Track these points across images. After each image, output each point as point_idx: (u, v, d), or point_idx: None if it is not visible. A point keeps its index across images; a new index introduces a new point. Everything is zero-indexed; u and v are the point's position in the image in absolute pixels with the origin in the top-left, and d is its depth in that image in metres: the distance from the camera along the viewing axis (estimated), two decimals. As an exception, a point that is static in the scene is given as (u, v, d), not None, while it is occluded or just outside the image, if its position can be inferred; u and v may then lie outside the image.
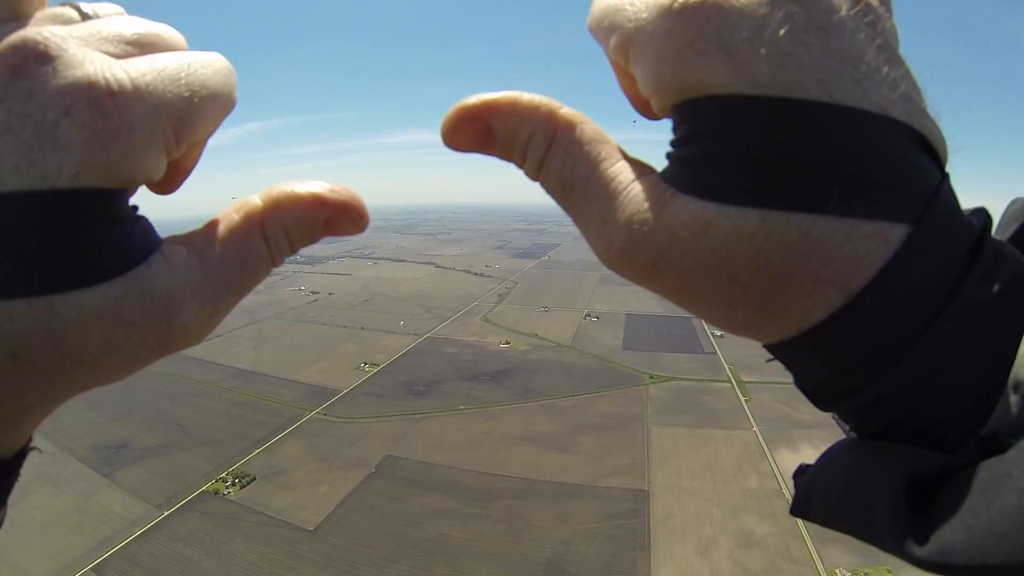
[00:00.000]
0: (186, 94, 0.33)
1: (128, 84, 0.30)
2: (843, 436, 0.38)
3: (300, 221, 0.36)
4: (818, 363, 0.32)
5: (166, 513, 34.43)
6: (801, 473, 0.39)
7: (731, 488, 35.94)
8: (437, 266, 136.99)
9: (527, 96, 0.35)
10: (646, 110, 0.39)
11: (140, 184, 0.33)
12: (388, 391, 55.75)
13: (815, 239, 0.28)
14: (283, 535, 31.50)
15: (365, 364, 64.25)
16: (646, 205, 0.31)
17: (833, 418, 0.39)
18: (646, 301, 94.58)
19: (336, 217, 0.37)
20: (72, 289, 0.30)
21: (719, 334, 72.34)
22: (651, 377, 58.62)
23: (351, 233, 0.38)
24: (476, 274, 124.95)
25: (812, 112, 0.27)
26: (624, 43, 0.34)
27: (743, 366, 61.12)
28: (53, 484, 37.85)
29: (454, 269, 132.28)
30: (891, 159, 0.28)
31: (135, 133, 0.30)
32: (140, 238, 0.33)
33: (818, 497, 0.35)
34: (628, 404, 51.66)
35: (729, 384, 55.87)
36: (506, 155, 0.36)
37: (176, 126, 0.33)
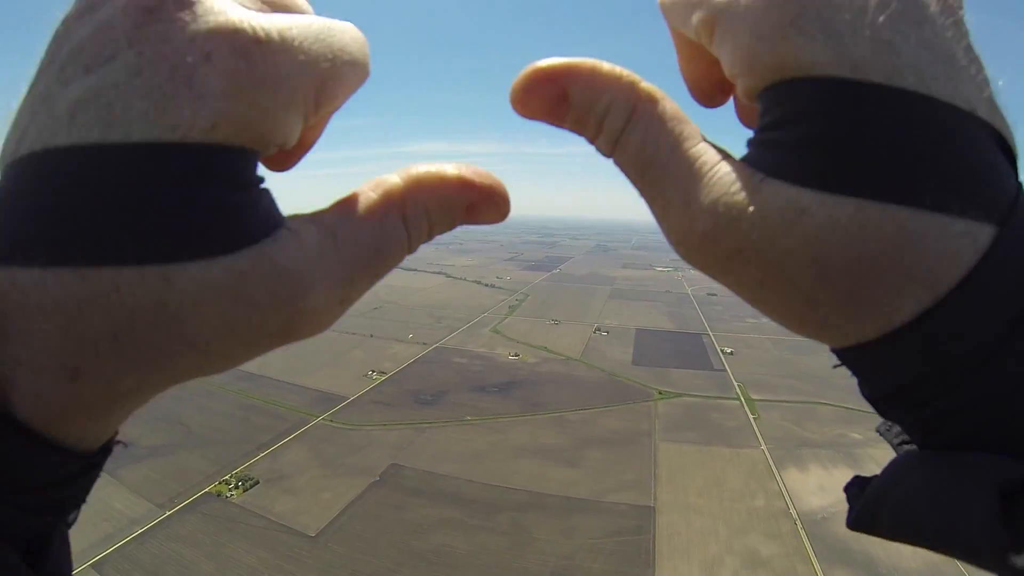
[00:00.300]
0: (329, 55, 0.30)
1: (276, 35, 0.27)
2: (893, 450, 0.34)
3: (443, 204, 0.33)
4: (895, 368, 0.29)
5: (168, 513, 34.47)
6: (857, 486, 0.34)
7: (738, 507, 35.59)
8: (448, 276, 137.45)
9: (607, 64, 0.32)
10: (709, 96, 0.38)
11: (275, 147, 0.29)
12: (395, 399, 55.81)
13: (910, 234, 0.26)
14: (284, 540, 31.46)
15: (373, 372, 64.49)
16: (735, 187, 0.29)
17: (879, 430, 0.36)
18: (656, 317, 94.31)
19: (480, 203, 0.34)
20: (193, 259, 0.25)
21: (729, 351, 72.06)
22: (660, 393, 58.32)
23: (492, 220, 0.35)
24: (487, 285, 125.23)
25: (910, 102, 0.26)
26: (711, 18, 0.31)
27: (752, 384, 60.73)
28: (57, 480, 38.13)
29: (465, 279, 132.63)
30: (980, 157, 0.27)
31: (280, 87, 0.27)
32: (266, 209, 0.29)
33: (890, 510, 0.31)
34: (636, 419, 51.38)
35: (738, 401, 55.31)
36: (579, 125, 0.33)
37: (318, 87, 0.30)
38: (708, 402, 55.51)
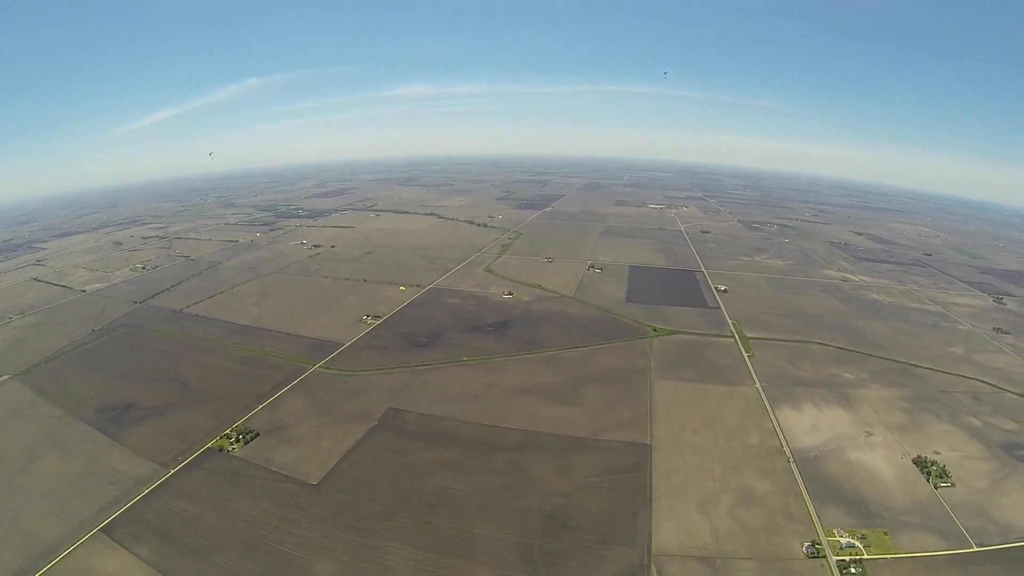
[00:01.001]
0: None
1: None
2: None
3: None
4: None
5: (172, 471, 34.80)
6: None
7: (733, 445, 36.14)
8: (440, 217, 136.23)
9: None
10: None
11: None
12: (391, 343, 55.93)
13: None
14: (287, 490, 31.83)
15: (367, 316, 64.47)
16: None
17: None
18: (650, 254, 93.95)
19: None
20: None
21: (723, 288, 72.20)
22: (654, 330, 58.63)
23: None
24: (479, 225, 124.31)
25: None
26: None
27: (746, 321, 60.93)
28: (60, 447, 38.25)
29: (457, 220, 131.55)
30: None
31: None
32: None
33: None
34: (631, 357, 51.71)
35: (732, 339, 55.99)
36: None
37: None
38: (703, 339, 55.87)
